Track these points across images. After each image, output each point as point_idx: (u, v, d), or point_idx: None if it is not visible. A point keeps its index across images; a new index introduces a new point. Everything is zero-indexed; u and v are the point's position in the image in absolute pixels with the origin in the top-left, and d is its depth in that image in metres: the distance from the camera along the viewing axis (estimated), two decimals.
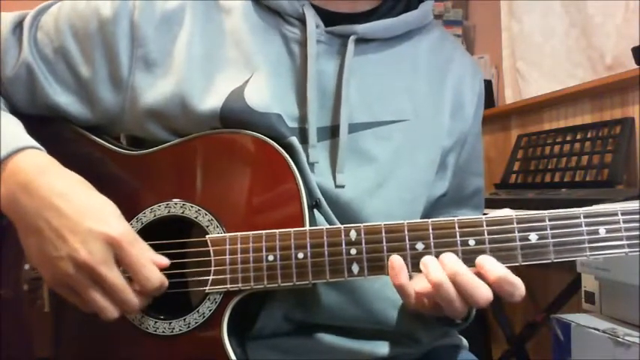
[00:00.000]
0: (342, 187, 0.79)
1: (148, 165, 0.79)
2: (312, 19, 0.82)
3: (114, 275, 0.67)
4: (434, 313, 0.71)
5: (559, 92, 2.07)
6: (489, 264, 0.66)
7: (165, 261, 0.71)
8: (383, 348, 0.81)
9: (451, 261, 0.67)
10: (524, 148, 2.20)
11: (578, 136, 1.96)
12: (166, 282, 0.71)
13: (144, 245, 0.70)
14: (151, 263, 0.69)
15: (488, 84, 2.65)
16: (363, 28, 0.83)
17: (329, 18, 0.84)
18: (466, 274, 0.66)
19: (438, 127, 0.88)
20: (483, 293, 0.65)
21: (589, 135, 1.90)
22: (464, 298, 0.66)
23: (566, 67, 2.25)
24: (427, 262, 0.67)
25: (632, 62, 1.75)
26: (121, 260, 0.68)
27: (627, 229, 0.65)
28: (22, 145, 0.71)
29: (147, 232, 0.75)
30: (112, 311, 0.69)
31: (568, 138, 2.00)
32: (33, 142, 0.73)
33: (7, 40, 0.80)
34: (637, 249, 0.65)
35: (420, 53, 0.89)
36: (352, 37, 0.83)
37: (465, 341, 0.93)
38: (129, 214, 0.75)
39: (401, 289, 0.68)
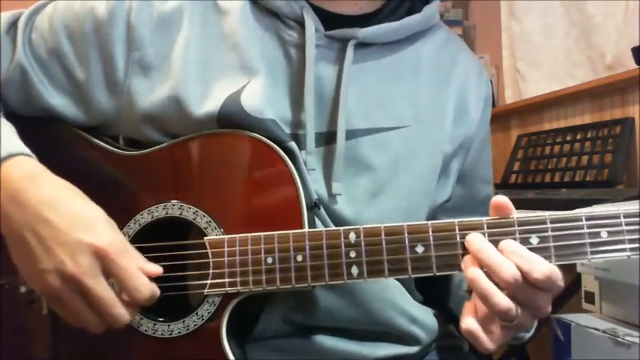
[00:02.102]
0: (338, 195, 0.78)
1: (145, 165, 0.79)
2: (311, 23, 0.80)
3: (100, 288, 0.66)
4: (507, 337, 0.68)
5: (559, 92, 2.06)
6: (503, 242, 0.66)
7: (156, 269, 0.70)
8: (383, 349, 0.81)
9: (475, 239, 0.66)
10: (524, 148, 2.20)
11: (578, 136, 1.95)
12: (157, 292, 0.69)
13: (134, 254, 0.69)
14: (140, 273, 0.67)
15: None
16: (363, 33, 0.82)
17: (329, 19, 0.82)
18: (487, 250, 0.65)
19: (440, 133, 0.86)
20: (509, 270, 0.63)
21: (589, 135, 1.90)
22: (495, 281, 0.64)
23: (566, 67, 2.24)
24: (466, 260, 0.67)
25: (632, 62, 1.74)
26: (108, 271, 0.66)
27: (629, 232, 0.65)
28: (13, 151, 0.70)
29: (144, 234, 0.75)
30: (97, 326, 0.68)
31: (568, 138, 2.00)
32: (23, 149, 0.71)
33: (0, 41, 0.79)
34: (639, 252, 0.65)
35: (422, 56, 0.87)
36: (352, 42, 0.81)
37: (465, 341, 0.92)
38: (126, 215, 0.75)
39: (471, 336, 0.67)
